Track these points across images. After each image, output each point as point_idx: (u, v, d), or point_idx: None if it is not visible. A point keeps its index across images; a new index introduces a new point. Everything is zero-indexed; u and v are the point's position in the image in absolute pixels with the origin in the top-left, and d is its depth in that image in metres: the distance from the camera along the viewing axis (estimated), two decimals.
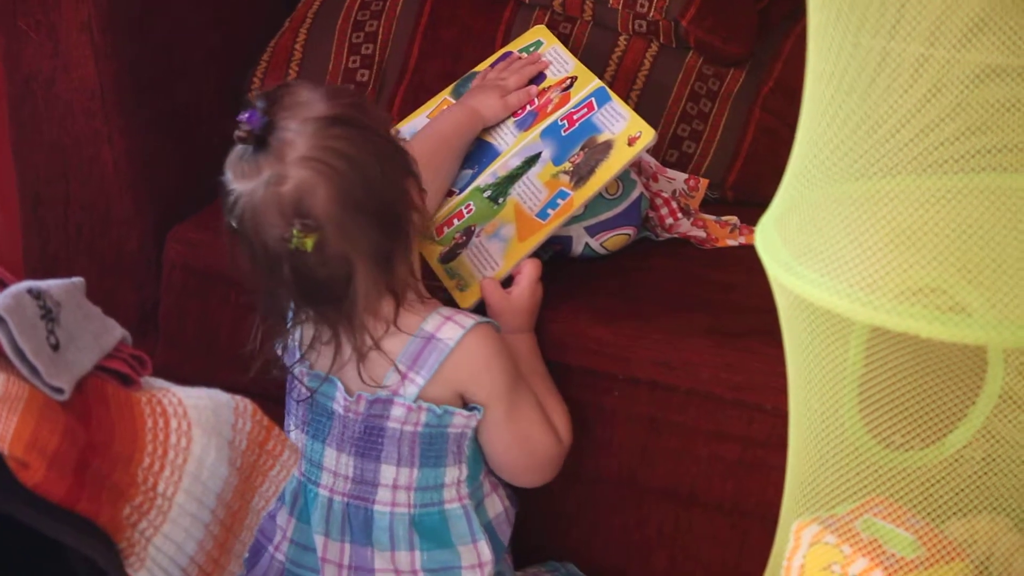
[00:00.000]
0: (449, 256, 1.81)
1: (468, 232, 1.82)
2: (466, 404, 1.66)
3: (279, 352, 1.70)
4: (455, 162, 1.89)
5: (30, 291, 1.18)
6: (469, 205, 1.85)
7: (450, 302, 1.74)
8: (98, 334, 1.26)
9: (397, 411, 1.63)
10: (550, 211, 1.79)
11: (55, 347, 1.19)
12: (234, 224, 1.57)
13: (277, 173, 1.54)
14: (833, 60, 1.11)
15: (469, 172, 1.89)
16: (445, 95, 2.00)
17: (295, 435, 1.71)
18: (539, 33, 2.02)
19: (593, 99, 1.87)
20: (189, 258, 1.95)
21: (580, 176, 1.80)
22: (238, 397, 1.28)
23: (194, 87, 2.02)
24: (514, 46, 2.02)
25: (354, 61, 2.11)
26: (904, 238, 1.07)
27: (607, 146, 1.81)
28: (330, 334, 1.63)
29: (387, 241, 1.59)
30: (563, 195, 1.79)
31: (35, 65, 1.94)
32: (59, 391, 1.16)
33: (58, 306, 1.21)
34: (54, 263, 2.02)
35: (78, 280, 1.29)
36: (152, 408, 1.22)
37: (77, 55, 1.90)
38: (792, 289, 1.13)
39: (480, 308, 1.74)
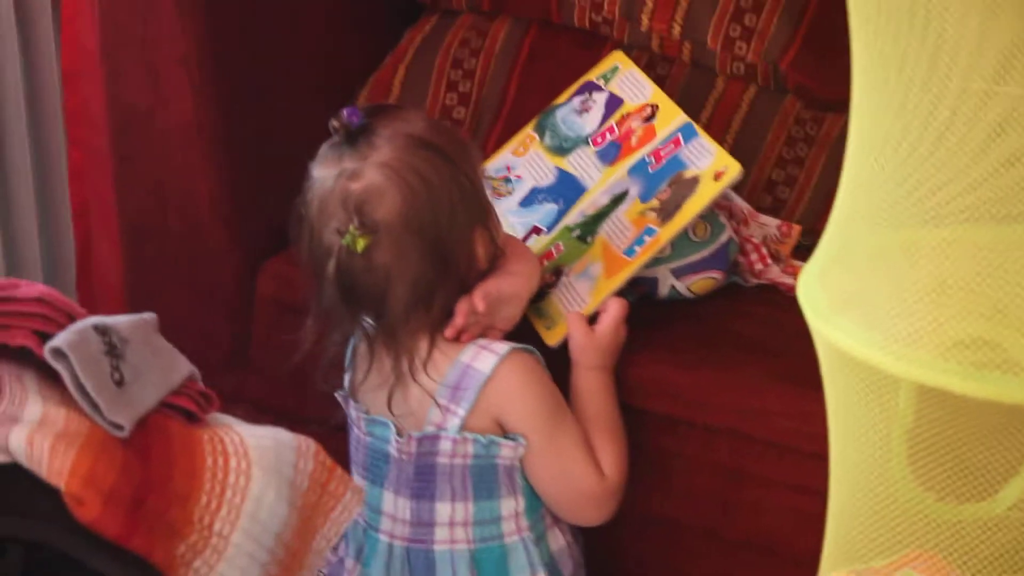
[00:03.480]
0: (538, 296, 1.80)
1: (557, 272, 1.81)
2: (506, 434, 1.65)
3: (340, 399, 1.73)
4: None
5: (96, 327, 1.20)
6: (559, 245, 1.84)
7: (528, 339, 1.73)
8: (166, 371, 1.27)
9: (444, 445, 1.64)
10: (637, 248, 1.78)
11: (119, 383, 1.20)
12: (302, 210, 1.64)
13: (354, 169, 1.60)
14: (888, 100, 1.07)
15: (555, 207, 1.89)
16: (528, 130, 2.00)
17: (356, 480, 1.72)
18: (616, 59, 2.01)
19: (680, 134, 1.85)
20: (281, 293, 1.96)
21: (667, 213, 1.78)
22: (301, 437, 1.29)
23: (291, 121, 2.03)
24: (592, 74, 2.01)
25: (451, 98, 2.11)
26: (955, 290, 1.03)
27: (693, 182, 1.79)
28: (370, 356, 1.66)
29: (433, 275, 1.62)
30: (650, 232, 1.78)
31: (135, 99, 1.96)
32: (119, 427, 1.18)
33: (125, 342, 1.23)
34: (150, 294, 2.04)
35: (149, 316, 1.31)
36: (213, 447, 1.23)
37: (175, 89, 1.93)
38: (833, 341, 1.10)
39: (566, 345, 1.73)
